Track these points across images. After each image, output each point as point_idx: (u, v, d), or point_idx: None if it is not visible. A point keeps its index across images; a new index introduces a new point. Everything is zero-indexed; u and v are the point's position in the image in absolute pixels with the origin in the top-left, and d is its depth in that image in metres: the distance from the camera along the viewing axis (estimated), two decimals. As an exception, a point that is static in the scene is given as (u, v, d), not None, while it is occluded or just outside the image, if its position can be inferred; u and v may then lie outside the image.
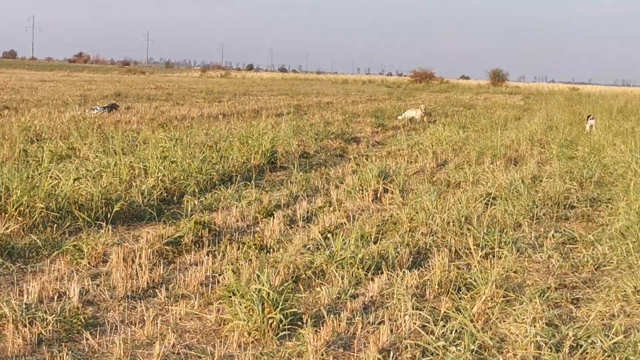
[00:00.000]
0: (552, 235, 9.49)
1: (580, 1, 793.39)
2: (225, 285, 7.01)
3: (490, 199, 11.27)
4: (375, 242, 8.78)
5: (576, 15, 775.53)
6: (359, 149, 18.79)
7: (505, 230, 9.51)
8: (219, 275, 7.69)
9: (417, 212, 10.09)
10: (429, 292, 7.27)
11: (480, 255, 8.28)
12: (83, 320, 6.30)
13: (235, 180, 12.64)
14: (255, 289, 6.33)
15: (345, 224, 10.00)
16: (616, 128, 22.40)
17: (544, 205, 11.41)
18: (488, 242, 8.75)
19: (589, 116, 24.92)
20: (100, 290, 7.17)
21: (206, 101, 35.36)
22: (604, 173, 14.46)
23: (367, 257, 7.93)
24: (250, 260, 8.06)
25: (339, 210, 10.79)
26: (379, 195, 12.10)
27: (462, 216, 9.95)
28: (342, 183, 12.97)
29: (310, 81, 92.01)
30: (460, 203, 10.54)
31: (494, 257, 8.26)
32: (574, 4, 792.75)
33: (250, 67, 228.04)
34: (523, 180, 12.40)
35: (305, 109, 33.68)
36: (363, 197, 11.91)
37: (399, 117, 28.90)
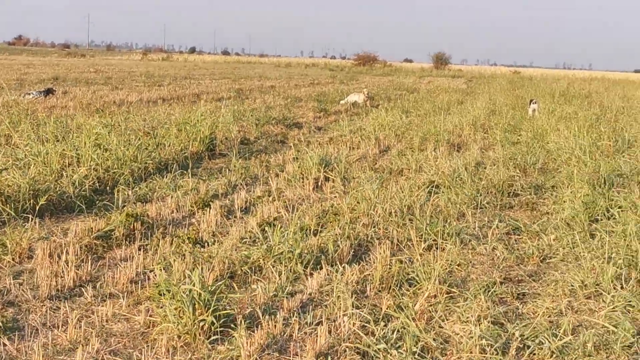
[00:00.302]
0: (497, 225, 9.24)
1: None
2: (155, 284, 6.63)
3: (434, 188, 11.05)
4: (315, 234, 8.45)
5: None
6: (300, 135, 18.42)
7: (448, 221, 9.22)
8: (151, 271, 7.30)
9: (359, 202, 9.78)
10: (370, 289, 6.97)
11: (423, 248, 8.03)
12: (1, 324, 5.87)
13: (172, 168, 12.21)
14: (186, 289, 5.95)
15: (284, 214, 9.64)
16: (559, 112, 22.34)
17: (487, 193, 11.19)
18: (431, 233, 8.48)
19: (531, 100, 24.86)
20: (23, 290, 6.73)
21: (146, 85, 34.61)
22: (547, 159, 14.29)
23: (306, 251, 7.60)
24: (184, 255, 7.68)
25: (279, 200, 10.44)
26: (320, 183, 11.78)
27: (405, 206, 9.68)
28: (283, 171, 12.62)
29: (253, 64, 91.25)
30: (402, 192, 10.26)
31: (437, 249, 8.00)
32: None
33: (192, 50, 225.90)
34: (466, 168, 12.17)
35: (247, 93, 33.18)
36: (304, 186, 11.58)
37: (342, 102, 28.61)
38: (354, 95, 29.08)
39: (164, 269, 7.17)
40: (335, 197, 10.84)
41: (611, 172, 11.22)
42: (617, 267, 6.99)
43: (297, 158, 13.66)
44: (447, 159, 13.52)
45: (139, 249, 8.05)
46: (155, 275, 7.00)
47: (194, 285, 5.97)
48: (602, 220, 9.29)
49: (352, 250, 8.07)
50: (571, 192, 10.15)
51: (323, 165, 11.99)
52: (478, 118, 21.68)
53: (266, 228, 8.50)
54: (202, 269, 7.03)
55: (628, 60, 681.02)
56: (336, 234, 8.32)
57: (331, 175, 11.81)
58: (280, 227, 8.21)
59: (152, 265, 7.45)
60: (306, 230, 8.52)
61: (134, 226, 8.70)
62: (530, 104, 24.45)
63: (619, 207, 9.40)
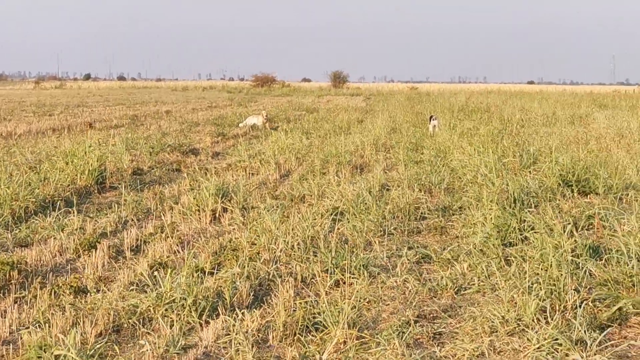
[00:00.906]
0: (406, 253, 8.66)
1: (412, 2, 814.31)
2: (28, 346, 5.82)
3: (338, 215, 10.44)
4: (212, 274, 7.73)
5: (410, 15, 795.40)
6: (197, 162, 17.66)
7: (355, 252, 8.60)
8: (27, 329, 6.46)
9: (259, 235, 9.11)
10: (273, 337, 6.29)
11: (329, 285, 7.40)
12: None
13: (57, 206, 11.29)
14: (59, 354, 5.17)
15: (179, 252, 8.90)
16: (460, 128, 22.09)
17: (394, 218, 10.66)
18: (337, 267, 7.86)
19: (431, 116, 24.60)
20: None
21: (36, 115, 33.27)
22: (453, 178, 13.85)
23: (201, 297, 6.87)
24: (64, 308, 6.87)
25: (172, 237, 9.67)
26: (217, 215, 11.06)
27: (308, 237, 9.05)
28: (178, 203, 11.82)
29: (149, 89, 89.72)
30: (305, 221, 9.60)
31: (344, 283, 7.38)
32: (406, 4, 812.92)
33: (87, 77, 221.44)
34: (370, 192, 11.56)
35: (142, 119, 32.21)
36: (200, 219, 10.86)
37: (240, 125, 27.96)
38: (253, 118, 28.42)
39: (40, 326, 6.35)
40: (234, 229, 10.16)
41: (520, 191, 10.78)
42: (539, 299, 6.43)
43: (192, 188, 12.89)
44: (350, 183, 12.97)
45: (15, 302, 7.21)
46: (31, 334, 6.18)
47: (68, 350, 5.19)
48: (516, 244, 8.83)
49: (253, 292, 7.38)
50: (481, 214, 9.65)
51: (220, 196, 11.27)
52: (379, 137, 21.28)
53: (158, 271, 7.76)
54: (83, 323, 6.27)
55: (521, 72, 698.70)
56: (234, 274, 7.61)
57: (229, 206, 11.10)
58: (173, 270, 7.48)
59: (29, 322, 6.63)
60: (201, 271, 7.80)
61: (9, 275, 7.86)
62: (430, 120, 24.19)
63: (532, 229, 8.96)
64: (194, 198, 11.37)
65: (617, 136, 21.25)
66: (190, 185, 13.43)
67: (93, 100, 51.20)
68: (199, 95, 68.04)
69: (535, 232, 8.64)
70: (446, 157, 16.57)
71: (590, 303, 6.68)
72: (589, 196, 11.93)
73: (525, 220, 9.33)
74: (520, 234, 9.00)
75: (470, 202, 11.00)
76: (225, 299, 6.98)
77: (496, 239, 8.70)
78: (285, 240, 8.79)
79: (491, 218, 9.24)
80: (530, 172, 13.09)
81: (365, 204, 10.95)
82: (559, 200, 11.01)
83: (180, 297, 6.78)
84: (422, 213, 10.96)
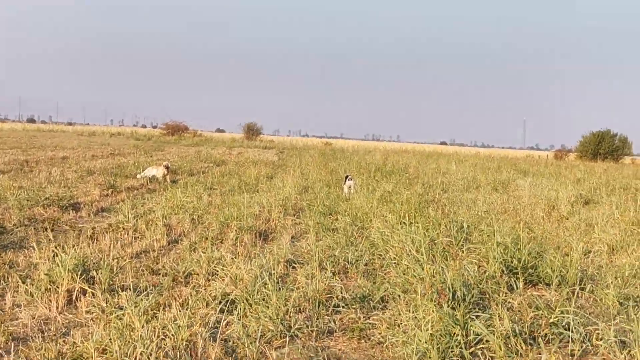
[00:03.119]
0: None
1: (325, 59, 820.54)
2: None
3: (228, 305, 8.11)
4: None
5: (327, 70, 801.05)
6: (75, 220, 15.13)
7: (243, 368, 6.28)
8: None
9: (116, 337, 6.70)
10: None
11: None
12: None
13: None
14: None
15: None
16: (379, 190, 19.95)
17: (300, 311, 8.36)
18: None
19: (346, 176, 22.46)
20: None
21: None
22: (372, 255, 11.62)
23: None
24: None
25: (1, 335, 7.17)
26: (74, 297, 8.60)
27: (182, 341, 6.69)
28: (30, 277, 9.31)
29: (54, 132, 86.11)
30: (182, 316, 7.23)
31: None
32: (324, 62, 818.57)
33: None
34: (271, 274, 9.17)
35: (33, 165, 29.31)
36: (50, 302, 8.38)
37: (138, 176, 25.42)
38: (153, 169, 25.84)
39: None
40: (92, 320, 7.74)
41: (460, 283, 8.48)
42: None
43: (56, 256, 10.34)
44: (249, 258, 10.67)
45: None
46: None
47: None
48: (462, 364, 6.60)
49: None
50: (413, 316, 7.38)
51: (79, 272, 8.81)
52: (289, 197, 19.04)
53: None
54: None
55: (433, 132, 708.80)
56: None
57: (88, 288, 8.63)
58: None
59: None
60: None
61: None
62: (345, 180, 22.06)
63: (484, 343, 6.75)
64: (45, 274, 8.86)
65: (547, 207, 19.46)
66: (53, 251, 10.86)
67: (-13, 143, 47.86)
68: (104, 141, 64.96)
69: (488, 349, 6.43)
70: (364, 227, 14.39)
71: None
72: (537, 287, 9.85)
73: (470, 327, 7.08)
74: (467, 349, 6.77)
75: (396, 293, 8.77)
76: None
77: (436, 354, 6.46)
78: (148, 348, 6.39)
79: (426, 323, 6.98)
80: (463, 252, 10.97)
81: (265, 288, 8.60)
82: (506, 294, 8.86)
83: None
84: (335, 304, 8.65)
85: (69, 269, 8.75)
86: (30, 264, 10.27)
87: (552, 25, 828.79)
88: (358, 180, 23.58)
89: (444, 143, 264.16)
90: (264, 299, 8.25)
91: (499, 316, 7.23)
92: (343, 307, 8.54)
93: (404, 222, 12.84)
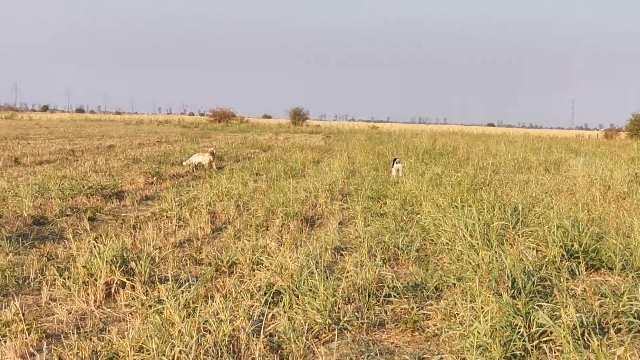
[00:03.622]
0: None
1: (377, 41, 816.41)
2: None
3: (272, 296, 7.71)
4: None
5: (371, 55, 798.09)
6: (119, 208, 14.87)
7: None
8: None
9: (153, 334, 6.30)
10: None
11: None
12: None
13: None
14: None
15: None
16: (429, 173, 19.39)
17: (349, 302, 7.91)
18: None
19: (394, 159, 21.96)
20: None
21: (-40, 147, 30.25)
22: (424, 240, 11.13)
23: None
24: None
25: (34, 332, 6.82)
26: (113, 291, 8.26)
27: (225, 336, 6.28)
28: (68, 269, 8.98)
29: (102, 122, 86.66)
30: (225, 309, 6.81)
31: None
32: (372, 43, 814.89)
33: (45, 108, 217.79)
34: (318, 263, 8.65)
35: (79, 154, 29.25)
36: (88, 296, 8.04)
37: (184, 163, 25.17)
38: (198, 156, 25.55)
39: None
40: (131, 315, 7.38)
41: (520, 270, 7.93)
42: None
43: (95, 247, 9.98)
44: (295, 246, 10.26)
45: None
46: None
47: None
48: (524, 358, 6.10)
49: None
50: (470, 306, 6.88)
51: (118, 264, 8.45)
52: (336, 182, 18.59)
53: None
54: None
55: (481, 114, 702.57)
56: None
57: (127, 280, 8.28)
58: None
59: None
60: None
61: None
62: (393, 163, 21.56)
63: (549, 335, 6.24)
64: (83, 266, 8.51)
65: (603, 187, 18.76)
66: (94, 242, 10.50)
67: (36, 133, 48.11)
68: (151, 129, 65.03)
69: (553, 342, 5.92)
70: (414, 211, 13.90)
71: None
72: (600, 272, 9.30)
73: (534, 319, 6.54)
74: (532, 342, 6.26)
75: (450, 281, 8.28)
76: None
77: (496, 348, 5.95)
78: (184, 347, 5.98)
79: (485, 314, 6.46)
80: (519, 235, 10.41)
81: (312, 280, 8.15)
82: (567, 280, 8.32)
83: None
84: (386, 294, 8.18)
85: (107, 261, 8.39)
86: (70, 256, 9.93)
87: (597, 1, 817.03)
88: (406, 163, 23.05)
89: (491, 125, 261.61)
90: (310, 290, 7.80)
91: (564, 305, 6.69)
92: (395, 296, 8.06)
93: (456, 206, 12.33)
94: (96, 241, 9.91)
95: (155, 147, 35.71)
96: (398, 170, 20.82)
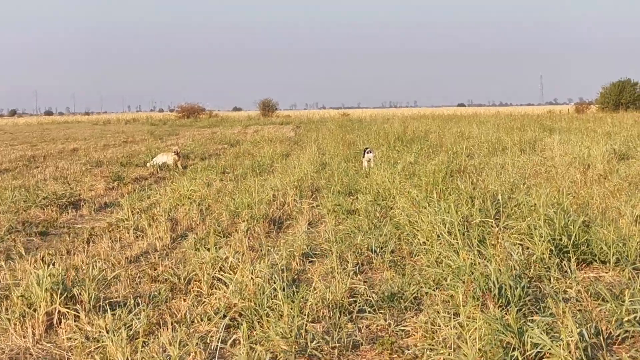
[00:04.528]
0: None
1: (341, 28, 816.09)
2: None
3: (232, 319, 6.86)
4: None
5: (341, 40, 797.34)
6: (75, 219, 13.94)
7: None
8: None
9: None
10: None
11: None
12: None
13: None
14: None
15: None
16: (402, 162, 18.57)
17: (317, 320, 7.07)
18: None
19: (365, 149, 21.07)
20: None
21: None
22: (399, 239, 10.28)
23: None
24: None
25: (-44, 380, 5.97)
26: (55, 322, 7.38)
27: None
28: (8, 298, 8.08)
29: (68, 124, 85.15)
30: (175, 343, 5.96)
31: None
32: (336, 30, 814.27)
33: (13, 113, 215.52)
34: (284, 278, 7.78)
35: (41, 160, 28.19)
36: (26, 330, 7.15)
37: (149, 164, 24.19)
38: (163, 156, 24.59)
39: None
40: (74, 351, 6.52)
41: (507, 276, 7.07)
42: None
43: (33, 273, 9.02)
44: (260, 255, 9.41)
45: None
46: None
47: None
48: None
49: None
50: (454, 322, 6.03)
51: (59, 291, 7.56)
52: (305, 177, 17.76)
53: None
54: None
55: (451, 94, 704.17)
56: None
57: (69, 311, 7.38)
58: None
59: None
60: None
61: None
62: (364, 153, 20.69)
63: (547, 357, 5.41)
64: (20, 296, 7.62)
65: (582, 166, 18.06)
66: (34, 266, 9.54)
67: (-1, 139, 46.83)
68: (118, 129, 63.79)
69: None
70: (387, 205, 13.08)
71: None
72: (592, 267, 8.52)
73: (529, 337, 5.68)
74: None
75: (430, 289, 7.46)
76: None
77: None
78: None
79: (472, 332, 5.63)
80: (501, 230, 9.58)
81: (276, 295, 7.28)
82: (559, 279, 7.52)
83: None
84: (359, 308, 7.34)
85: (46, 288, 7.50)
86: (14, 280, 8.99)
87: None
88: (378, 152, 22.23)
89: (461, 105, 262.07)
90: (274, 309, 6.96)
91: (560, 318, 5.87)
92: (369, 311, 7.23)
93: (431, 198, 11.54)
94: (43, 261, 9.05)
95: (121, 147, 34.71)
96: (369, 160, 19.98)
